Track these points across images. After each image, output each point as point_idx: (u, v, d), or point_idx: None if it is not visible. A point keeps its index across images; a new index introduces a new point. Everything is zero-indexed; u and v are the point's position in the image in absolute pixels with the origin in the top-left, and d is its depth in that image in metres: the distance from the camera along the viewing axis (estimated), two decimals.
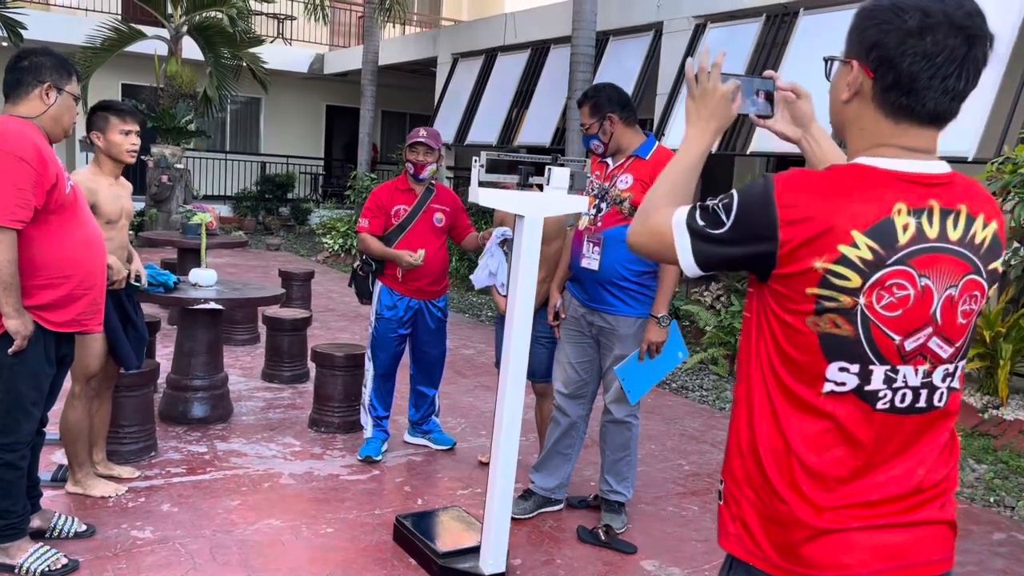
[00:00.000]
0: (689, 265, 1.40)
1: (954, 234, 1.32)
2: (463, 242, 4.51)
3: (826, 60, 1.43)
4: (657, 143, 3.58)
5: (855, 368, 1.32)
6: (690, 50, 9.15)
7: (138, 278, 3.78)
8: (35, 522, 3.12)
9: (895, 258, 1.29)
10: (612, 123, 3.49)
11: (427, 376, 4.53)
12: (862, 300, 1.29)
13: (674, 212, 1.42)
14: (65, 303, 2.90)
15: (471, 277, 4.29)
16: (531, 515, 3.72)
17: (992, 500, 4.31)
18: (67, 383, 3.19)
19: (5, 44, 12.59)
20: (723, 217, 1.35)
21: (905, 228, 1.29)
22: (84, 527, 3.26)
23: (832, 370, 1.32)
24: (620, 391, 3.53)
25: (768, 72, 1.60)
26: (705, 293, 7.70)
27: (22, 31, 11.10)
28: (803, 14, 8.12)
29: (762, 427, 1.38)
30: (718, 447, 4.96)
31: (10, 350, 2.76)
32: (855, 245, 1.27)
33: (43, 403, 2.97)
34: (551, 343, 3.95)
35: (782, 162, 10.80)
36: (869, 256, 1.28)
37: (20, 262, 2.75)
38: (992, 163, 5.72)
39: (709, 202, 1.39)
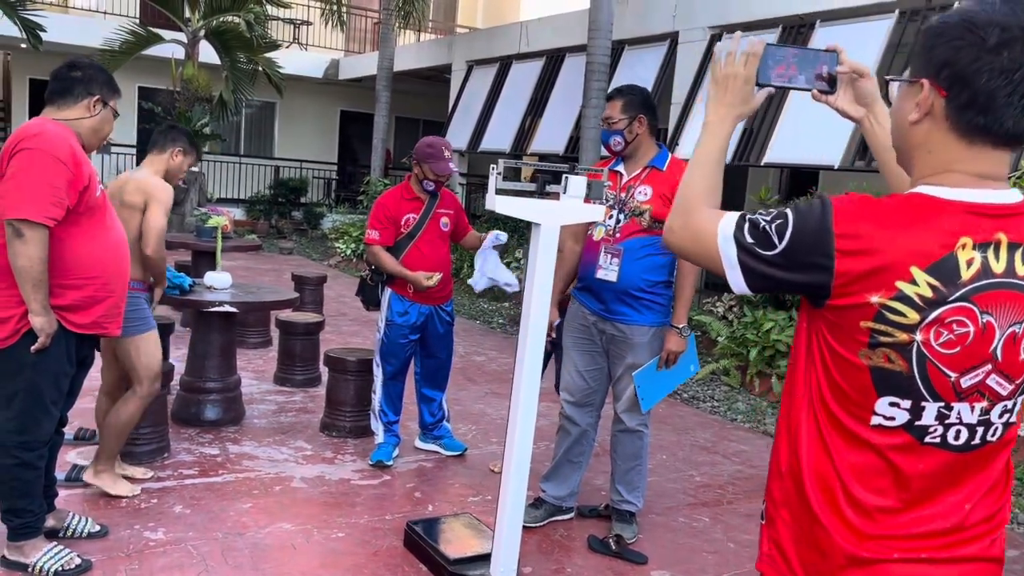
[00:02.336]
0: (738, 283, 1.34)
1: (1022, 269, 1.25)
2: (463, 240, 4.54)
3: (886, 81, 1.39)
4: (671, 155, 3.59)
5: (906, 404, 1.27)
6: (706, 60, 9.15)
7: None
8: (49, 521, 3.13)
9: (956, 295, 1.22)
10: (640, 125, 3.49)
11: (433, 380, 4.54)
12: (919, 337, 1.23)
13: (719, 220, 1.36)
14: (88, 305, 2.92)
15: (469, 282, 4.33)
16: (542, 523, 3.72)
17: None
18: (88, 382, 3.20)
19: (24, 46, 12.71)
20: (774, 239, 1.29)
21: (969, 263, 1.22)
22: (98, 527, 3.27)
23: (882, 404, 1.28)
24: (632, 400, 3.53)
25: (831, 45, 1.53)
26: (717, 303, 7.68)
27: (41, 33, 11.19)
28: (819, 26, 8.11)
29: (807, 452, 1.34)
30: (729, 458, 4.94)
31: (33, 347, 2.78)
32: (914, 282, 1.22)
33: (63, 403, 2.99)
34: None
35: (795, 173, 10.78)
36: (929, 294, 1.21)
37: (48, 261, 2.78)
38: (1009, 178, 5.69)
39: (760, 217, 1.32)
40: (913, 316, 1.22)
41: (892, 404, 1.27)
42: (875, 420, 1.29)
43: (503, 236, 4.26)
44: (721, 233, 1.34)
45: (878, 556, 1.30)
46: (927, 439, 1.28)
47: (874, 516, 1.30)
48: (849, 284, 1.24)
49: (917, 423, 1.28)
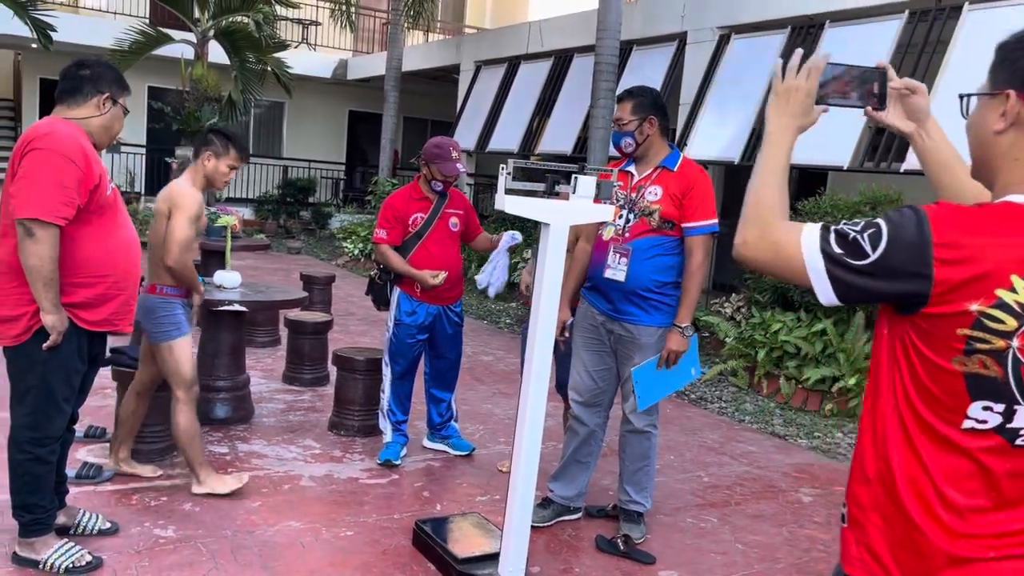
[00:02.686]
0: (826, 293, 1.34)
1: None
2: (474, 242, 4.54)
3: (962, 97, 1.41)
4: (682, 156, 3.57)
5: (999, 407, 1.30)
6: (714, 60, 9.15)
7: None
8: (60, 519, 3.15)
9: None
10: (651, 126, 3.48)
11: (442, 380, 4.55)
12: (1015, 343, 1.26)
13: (801, 231, 1.36)
14: (99, 302, 2.94)
15: (477, 279, 4.34)
16: (550, 523, 3.73)
17: None
18: (97, 380, 3.22)
19: (34, 46, 12.77)
20: (867, 248, 1.30)
21: None
22: (108, 524, 3.29)
23: (975, 408, 1.30)
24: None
25: (880, 62, 1.57)
26: (725, 304, 7.67)
27: (51, 33, 11.25)
28: (829, 26, 8.09)
29: (897, 458, 1.37)
30: (737, 459, 4.93)
31: (45, 345, 2.81)
32: (1014, 290, 1.24)
33: (74, 399, 3.01)
34: None
35: (803, 173, 10.77)
36: None
37: (59, 260, 2.80)
38: None
39: (847, 228, 1.34)
40: (1012, 323, 1.25)
41: (985, 408, 1.30)
42: (967, 424, 1.31)
43: (519, 236, 4.27)
44: (805, 245, 1.35)
45: (975, 555, 1.33)
46: (1018, 441, 1.31)
47: (966, 516, 1.33)
48: (948, 292, 1.26)
49: (1009, 426, 1.31)
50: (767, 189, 1.45)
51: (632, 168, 3.57)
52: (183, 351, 3.60)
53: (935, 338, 1.30)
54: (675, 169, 3.50)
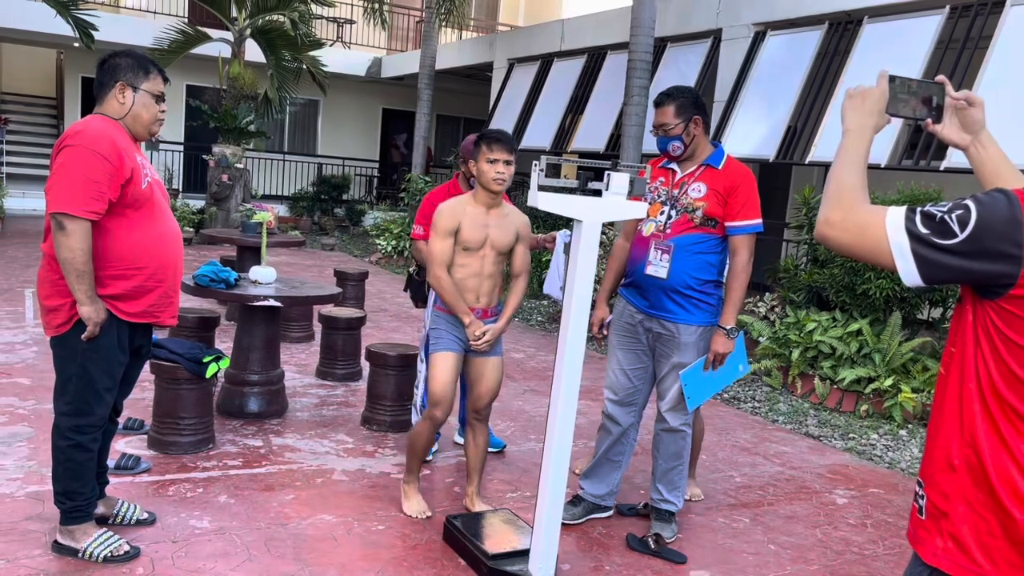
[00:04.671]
0: (910, 272, 1.37)
1: None
2: None
3: None
4: (727, 154, 3.54)
5: None
6: (749, 57, 9.06)
7: None
8: (100, 508, 3.22)
9: None
10: (696, 125, 3.45)
11: None
12: None
13: (885, 212, 1.39)
14: (138, 294, 2.99)
15: (545, 290, 4.27)
16: (580, 521, 3.72)
17: None
18: (140, 374, 3.28)
19: (76, 45, 13.01)
20: (955, 228, 1.32)
21: None
22: (146, 515, 3.35)
23: None
24: (677, 399, 3.51)
25: (940, 77, 1.61)
26: (759, 303, 7.60)
27: (93, 32, 11.45)
28: (867, 22, 7.98)
29: (985, 445, 1.37)
30: (770, 459, 4.89)
31: (83, 336, 2.88)
32: None
33: (115, 389, 3.07)
34: None
35: None
36: None
37: (95, 252, 2.87)
38: None
39: (934, 209, 1.36)
40: None
41: None
42: None
43: (570, 233, 4.23)
44: (890, 224, 1.38)
45: None
46: None
47: None
48: None
49: None
50: (849, 175, 1.48)
51: (674, 164, 3.54)
52: (436, 368, 3.57)
53: (1022, 320, 1.31)
54: (720, 167, 3.46)
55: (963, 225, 1.32)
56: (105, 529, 3.10)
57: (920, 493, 1.49)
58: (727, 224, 3.43)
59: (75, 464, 2.98)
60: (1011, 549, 1.36)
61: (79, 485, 3.00)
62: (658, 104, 3.48)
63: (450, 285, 3.48)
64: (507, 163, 3.44)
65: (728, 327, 3.42)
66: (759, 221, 3.44)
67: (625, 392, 3.64)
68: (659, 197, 3.51)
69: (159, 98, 3.08)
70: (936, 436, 1.46)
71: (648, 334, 3.54)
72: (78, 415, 2.96)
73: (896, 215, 1.38)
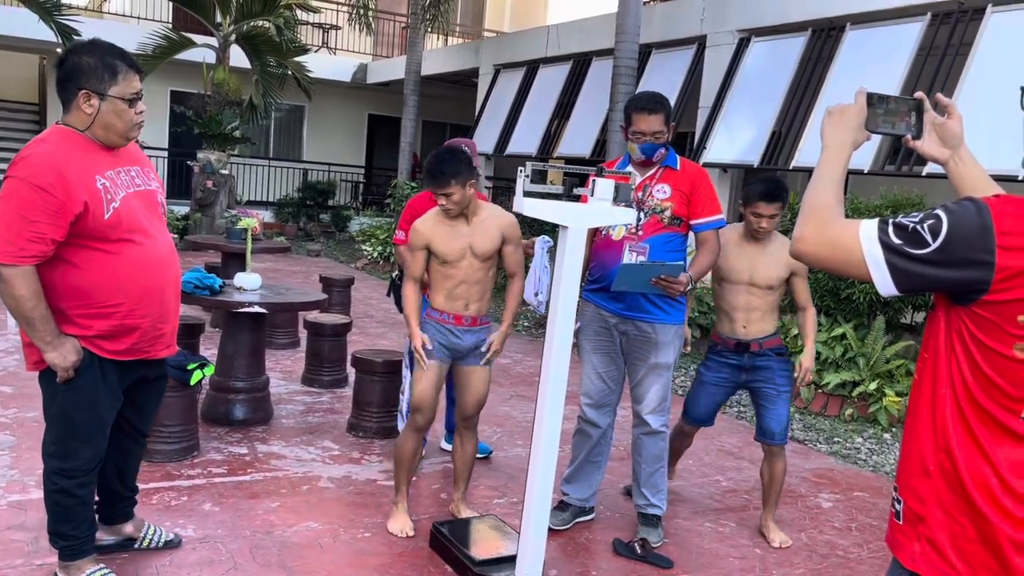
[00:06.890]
0: (884, 282, 1.39)
1: None
2: None
3: (1023, 89, 1.46)
4: (678, 155, 3.64)
5: None
6: (734, 64, 9.11)
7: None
8: (127, 529, 3.14)
9: None
10: (671, 132, 3.55)
11: None
12: None
13: (858, 226, 1.42)
14: (119, 332, 2.70)
15: (527, 299, 4.13)
16: (568, 526, 3.73)
17: None
18: (160, 398, 3.24)
19: (59, 50, 12.93)
20: (927, 238, 1.35)
21: None
22: (172, 536, 3.24)
23: None
24: (657, 402, 3.56)
25: (918, 93, 1.64)
26: None
27: (76, 37, 11.38)
28: (849, 29, 8.04)
29: (960, 451, 1.39)
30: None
31: (57, 379, 2.65)
32: None
33: (106, 431, 2.80)
34: (719, 389, 3.89)
35: None
36: None
37: (62, 290, 2.60)
38: None
39: (903, 220, 1.39)
40: None
41: None
42: None
43: (549, 240, 4.20)
44: (864, 236, 1.40)
45: None
46: None
47: None
48: (1009, 279, 1.31)
49: None
50: (825, 192, 1.51)
51: (630, 167, 3.58)
52: (419, 380, 3.55)
53: (994, 326, 1.33)
54: (678, 168, 3.57)
55: (935, 234, 1.34)
56: (102, 565, 2.92)
57: (897, 498, 1.51)
58: (693, 222, 3.53)
59: (62, 509, 2.78)
60: (986, 552, 1.38)
61: (68, 528, 2.80)
62: (651, 111, 3.49)
63: (414, 299, 3.54)
64: (447, 196, 3.34)
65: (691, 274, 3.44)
66: (722, 217, 3.57)
67: (601, 395, 3.68)
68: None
69: (134, 99, 2.64)
70: (911, 441, 1.48)
71: (623, 337, 3.58)
72: (62, 458, 2.73)
73: (869, 227, 1.40)
